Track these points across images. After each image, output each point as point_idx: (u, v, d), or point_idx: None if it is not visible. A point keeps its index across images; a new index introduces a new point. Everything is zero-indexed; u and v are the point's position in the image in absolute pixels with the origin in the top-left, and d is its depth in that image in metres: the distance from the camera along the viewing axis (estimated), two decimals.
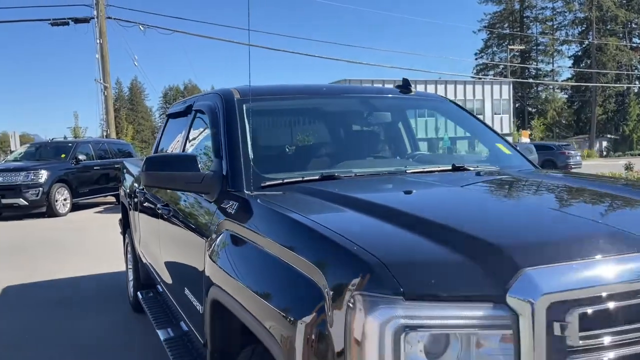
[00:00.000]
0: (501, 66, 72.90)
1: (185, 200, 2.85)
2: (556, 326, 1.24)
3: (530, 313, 1.23)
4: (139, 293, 4.37)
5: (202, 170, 2.47)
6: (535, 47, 79.00)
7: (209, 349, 2.17)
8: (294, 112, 3.27)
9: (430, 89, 52.99)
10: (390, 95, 3.41)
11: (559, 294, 1.25)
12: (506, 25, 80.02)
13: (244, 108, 2.76)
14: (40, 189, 12.58)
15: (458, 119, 3.46)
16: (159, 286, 3.82)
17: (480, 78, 66.05)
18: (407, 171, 2.59)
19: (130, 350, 4.07)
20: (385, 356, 1.24)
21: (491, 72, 79.93)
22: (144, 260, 4.16)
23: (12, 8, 29.92)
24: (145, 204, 3.81)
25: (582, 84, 65.66)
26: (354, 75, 50.68)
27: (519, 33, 74.94)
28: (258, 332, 1.67)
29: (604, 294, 1.29)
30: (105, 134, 21.96)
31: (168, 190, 3.10)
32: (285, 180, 2.35)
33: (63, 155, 13.99)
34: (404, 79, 3.35)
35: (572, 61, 73.84)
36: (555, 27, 76.97)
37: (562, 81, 73.36)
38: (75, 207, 13.82)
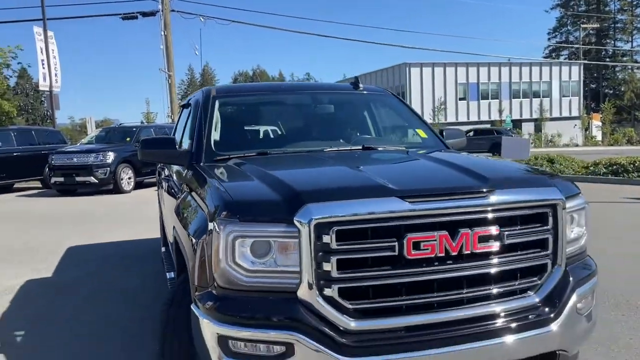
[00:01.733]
0: (575, 46, 69.81)
1: (173, 172, 3.86)
2: (322, 237, 2.10)
3: (307, 229, 2.09)
4: (162, 249, 5.49)
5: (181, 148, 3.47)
6: (612, 25, 75.05)
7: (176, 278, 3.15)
8: (256, 105, 4.19)
9: (493, 70, 51.99)
10: (338, 91, 4.25)
11: (323, 219, 2.10)
12: (582, 2, 76.43)
13: (216, 103, 3.73)
14: (108, 168, 14.25)
15: (397, 110, 4.25)
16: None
17: (548, 60, 63.67)
18: (325, 150, 3.44)
19: (150, 292, 5.18)
20: (228, 253, 2.15)
21: (564, 53, 76.80)
22: (163, 224, 5.26)
23: (90, 4, 32.34)
24: (161, 179, 4.88)
25: None
26: (418, 59, 50.45)
27: (595, 12, 71.33)
28: (184, 254, 2.63)
29: (352, 220, 2.12)
30: (170, 119, 23.73)
31: (172, 166, 4.11)
32: (231, 156, 3.28)
33: (128, 139, 15.63)
34: (355, 77, 4.20)
35: None
36: (634, 3, 72.72)
37: None
38: (138, 185, 15.45)
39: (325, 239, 2.10)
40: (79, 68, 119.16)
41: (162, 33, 22.96)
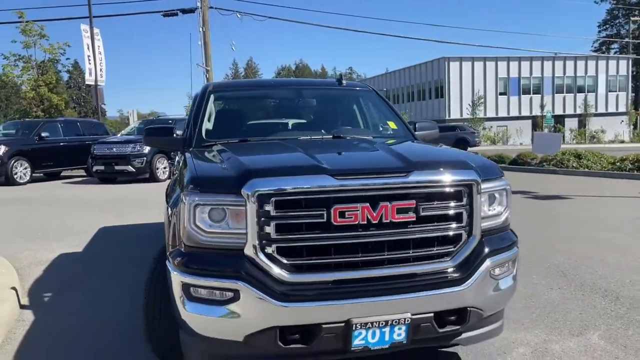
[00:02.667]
0: (625, 40, 67.46)
1: (176, 160, 4.45)
2: (264, 205, 2.61)
3: (252, 198, 2.61)
4: None
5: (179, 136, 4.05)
6: None
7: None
8: (246, 99, 4.72)
9: (535, 65, 50.98)
10: (322, 87, 4.73)
11: (264, 191, 2.60)
12: None
13: (211, 97, 4.29)
14: (145, 158, 15.17)
15: (376, 104, 4.70)
16: None
17: (594, 54, 61.70)
18: (299, 138, 3.94)
19: None
20: (191, 218, 2.69)
21: (615, 47, 74.30)
22: None
23: (132, 3, 33.72)
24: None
25: None
26: (458, 53, 50.01)
27: None
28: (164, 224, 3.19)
29: (288, 192, 2.61)
30: None
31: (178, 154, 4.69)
32: (217, 143, 3.82)
33: None
34: (340, 74, 4.69)
35: None
36: None
37: None
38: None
39: (266, 207, 2.61)
40: (129, 63, 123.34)
41: (201, 29, 23.86)
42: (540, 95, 51.50)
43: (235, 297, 2.62)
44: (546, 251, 6.06)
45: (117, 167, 15.22)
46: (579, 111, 51.19)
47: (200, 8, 23.78)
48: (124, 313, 4.25)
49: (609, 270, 5.26)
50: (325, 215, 2.64)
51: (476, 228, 2.88)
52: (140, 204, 10.80)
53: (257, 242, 2.62)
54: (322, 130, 4.24)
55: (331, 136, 4.02)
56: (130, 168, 15.12)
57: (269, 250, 2.64)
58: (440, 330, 2.82)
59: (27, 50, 23.23)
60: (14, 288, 4.63)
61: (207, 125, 4.13)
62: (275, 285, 2.62)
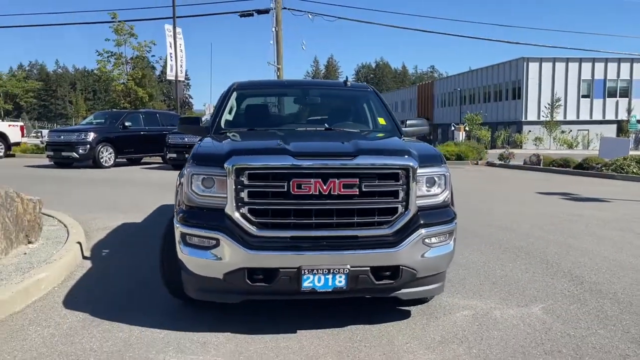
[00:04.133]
0: None
1: None
2: (240, 176, 3.47)
3: (231, 171, 3.48)
4: None
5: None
6: None
7: None
8: (262, 96, 5.63)
9: (624, 67, 48.44)
10: (328, 87, 5.54)
11: (239, 165, 3.46)
12: None
13: (234, 93, 5.22)
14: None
15: (373, 103, 5.43)
16: None
17: None
18: (296, 129, 4.76)
19: None
20: (189, 184, 3.62)
21: None
22: None
23: (212, 4, 35.74)
24: None
25: None
26: (533, 54, 48.60)
27: None
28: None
29: (257, 167, 3.46)
30: None
31: None
32: (230, 131, 4.74)
33: None
34: (347, 77, 5.46)
35: None
36: None
37: None
38: None
39: (241, 178, 3.48)
40: (213, 61, 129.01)
41: (274, 29, 25.15)
42: (627, 99, 48.92)
43: (217, 244, 3.51)
44: (540, 243, 6.53)
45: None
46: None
47: (274, 9, 25.07)
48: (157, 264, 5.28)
49: (592, 261, 5.68)
50: (285, 186, 3.47)
51: (412, 204, 3.60)
52: None
53: (234, 204, 3.50)
54: (321, 123, 5.05)
55: (323, 128, 4.83)
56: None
57: (243, 210, 3.50)
58: (377, 283, 3.56)
59: (118, 47, 25.63)
60: (79, 243, 5.81)
61: (228, 116, 5.08)
62: (246, 236, 3.48)
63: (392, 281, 3.61)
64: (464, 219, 8.39)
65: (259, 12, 25.56)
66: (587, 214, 8.96)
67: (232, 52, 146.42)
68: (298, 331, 3.70)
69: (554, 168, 18.89)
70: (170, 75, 24.28)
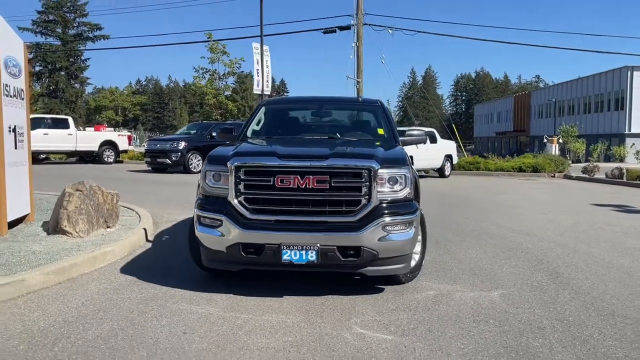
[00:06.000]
0: None
1: None
2: (238, 173, 4.55)
3: (231, 169, 4.57)
4: None
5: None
6: None
7: None
8: (285, 110, 6.68)
9: None
10: (341, 102, 6.51)
11: (238, 164, 4.53)
12: None
13: (262, 108, 6.36)
14: None
15: (379, 115, 6.31)
16: None
17: None
18: (304, 137, 5.77)
19: None
20: (204, 178, 4.76)
21: None
22: None
23: (300, 22, 37.48)
24: None
25: None
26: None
27: None
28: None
29: (250, 165, 4.52)
30: None
31: None
32: (254, 138, 5.84)
33: None
34: (358, 95, 6.40)
35: None
36: None
37: None
38: None
39: (239, 174, 4.56)
40: (293, 74, 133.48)
41: (354, 44, 26.29)
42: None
43: (221, 224, 4.60)
44: (548, 246, 7.00)
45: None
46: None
47: (355, 25, 26.23)
48: None
49: (584, 262, 6.13)
50: (272, 180, 4.50)
51: (373, 197, 4.49)
52: None
53: (233, 194, 4.58)
54: (328, 133, 6.04)
55: (327, 137, 5.81)
56: None
57: (240, 199, 4.58)
58: (343, 259, 4.48)
59: (211, 64, 28.11)
60: (144, 229, 7.20)
61: (255, 127, 6.21)
62: (242, 219, 4.55)
63: (355, 259, 4.50)
64: (488, 223, 8.98)
65: (341, 28, 26.81)
66: (625, 224, 9.10)
67: (312, 65, 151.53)
68: (284, 296, 4.70)
69: (636, 182, 18.23)
70: (256, 90, 26.24)
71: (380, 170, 4.53)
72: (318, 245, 4.42)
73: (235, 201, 4.58)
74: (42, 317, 4.11)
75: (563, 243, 7.29)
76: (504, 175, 21.62)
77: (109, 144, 25.01)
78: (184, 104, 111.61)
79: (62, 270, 5.13)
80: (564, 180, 20.66)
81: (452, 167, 20.80)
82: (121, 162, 25.84)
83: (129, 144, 26.90)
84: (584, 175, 20.58)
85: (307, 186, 4.46)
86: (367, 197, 4.50)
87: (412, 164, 14.94)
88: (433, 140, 19.58)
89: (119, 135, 26.78)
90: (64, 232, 6.52)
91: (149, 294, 4.73)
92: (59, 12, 58.47)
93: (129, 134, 28.67)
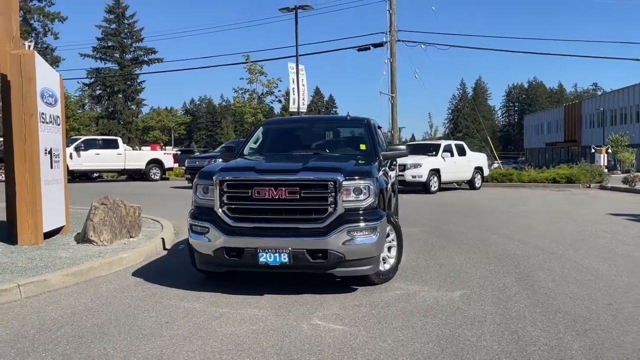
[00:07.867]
0: None
1: None
2: (222, 186, 5.24)
3: (216, 182, 5.26)
4: None
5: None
6: None
7: None
8: (280, 129, 7.34)
9: None
10: (331, 121, 7.13)
11: (221, 178, 5.22)
12: None
13: (261, 128, 7.07)
14: None
15: (363, 132, 6.88)
16: None
17: None
18: (292, 153, 6.40)
19: None
20: (195, 191, 5.49)
21: None
22: None
23: (335, 40, 38.29)
24: None
25: None
26: None
27: None
28: None
29: (231, 179, 5.21)
30: (390, 134, 27.45)
31: None
32: (250, 155, 6.53)
33: None
34: (347, 113, 7.04)
35: None
36: None
37: None
38: None
39: (223, 187, 5.25)
40: (328, 90, 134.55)
41: (388, 60, 26.85)
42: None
43: (208, 231, 5.30)
44: (533, 252, 7.32)
45: None
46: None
47: (389, 42, 26.81)
48: None
49: (561, 266, 6.45)
50: (250, 192, 5.16)
51: (339, 206, 5.07)
52: None
53: (218, 204, 5.27)
54: (314, 149, 6.67)
55: (313, 152, 6.43)
56: None
57: (223, 209, 5.26)
58: (312, 261, 5.07)
59: (250, 84, 29.35)
60: (162, 238, 8.01)
61: (252, 145, 6.92)
62: (225, 226, 5.23)
63: (323, 261, 5.09)
64: (490, 232, 9.32)
65: (375, 45, 27.48)
66: (630, 233, 9.22)
67: (346, 82, 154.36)
68: (264, 294, 5.32)
69: None
70: (292, 108, 27.16)
71: (344, 182, 5.11)
72: (290, 248, 5.03)
73: (220, 211, 5.26)
74: (55, 310, 4.91)
75: (552, 250, 7.58)
76: (537, 186, 21.48)
77: (156, 162, 26.49)
78: (231, 122, 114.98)
79: (80, 273, 5.96)
80: (598, 190, 20.35)
81: (483, 179, 20.88)
82: (167, 179, 27.27)
83: (174, 162, 28.32)
84: (622, 186, 20.20)
85: (280, 197, 5.09)
86: (333, 205, 5.08)
87: (440, 176, 15.66)
88: (462, 152, 19.81)
89: (164, 153, 28.26)
90: (90, 241, 7.40)
91: (149, 292, 5.46)
92: (117, 38, 62.02)
93: (174, 152, 30.16)
